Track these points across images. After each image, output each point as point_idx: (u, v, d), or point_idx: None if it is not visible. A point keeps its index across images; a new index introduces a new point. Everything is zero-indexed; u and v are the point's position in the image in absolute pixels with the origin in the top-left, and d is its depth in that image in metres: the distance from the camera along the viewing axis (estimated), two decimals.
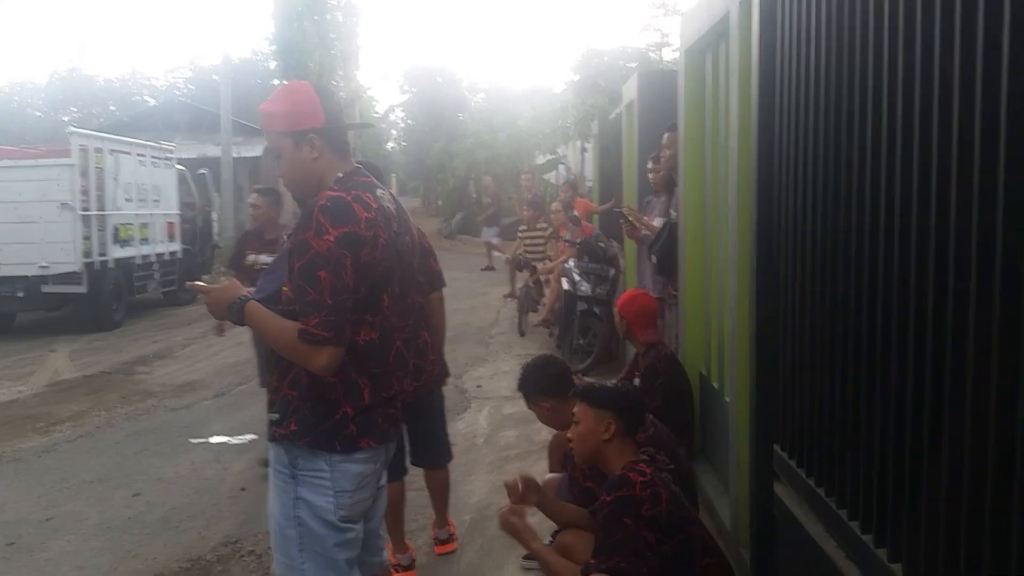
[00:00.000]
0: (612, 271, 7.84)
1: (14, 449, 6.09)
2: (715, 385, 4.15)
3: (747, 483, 3.05)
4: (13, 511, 4.85)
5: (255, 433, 5.99)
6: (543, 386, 3.35)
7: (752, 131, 2.92)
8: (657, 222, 5.28)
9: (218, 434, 6.08)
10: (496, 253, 15.37)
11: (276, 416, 2.38)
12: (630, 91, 7.48)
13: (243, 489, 5.01)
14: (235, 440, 5.41)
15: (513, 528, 2.80)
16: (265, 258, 5.27)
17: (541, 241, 9.93)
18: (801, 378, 2.54)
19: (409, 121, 34.13)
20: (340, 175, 2.37)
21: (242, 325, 2.37)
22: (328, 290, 2.19)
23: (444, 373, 3.98)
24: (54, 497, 5.07)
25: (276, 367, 2.39)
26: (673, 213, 4.85)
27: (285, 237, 5.07)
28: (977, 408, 1.50)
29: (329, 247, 2.19)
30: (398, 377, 2.48)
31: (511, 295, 11.34)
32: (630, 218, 5.32)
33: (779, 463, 2.77)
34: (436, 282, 3.89)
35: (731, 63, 3.35)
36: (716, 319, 4.09)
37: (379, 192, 2.42)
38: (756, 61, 2.85)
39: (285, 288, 2.35)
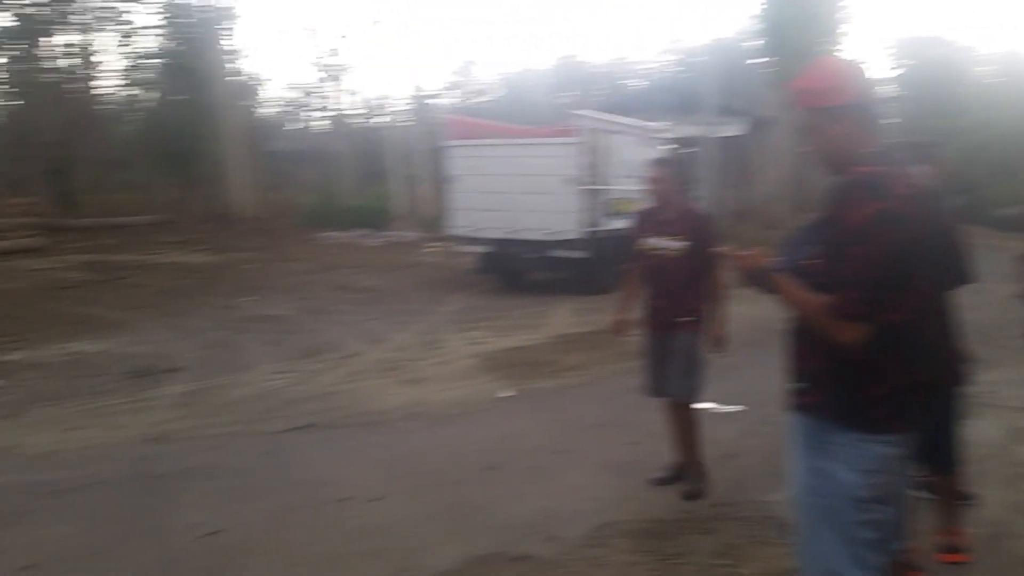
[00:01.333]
0: None
1: (530, 388, 7.13)
2: None
3: None
4: (532, 440, 5.67)
5: (744, 404, 6.16)
6: None
7: None
8: None
9: (707, 400, 6.34)
10: None
11: (804, 386, 2.44)
12: None
13: (734, 456, 5.24)
14: (724, 408, 5.60)
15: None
16: (660, 241, 4.53)
17: None
18: None
19: (903, 94, 31.48)
20: (871, 151, 2.32)
21: (769, 293, 2.44)
22: (861, 266, 2.18)
23: (963, 374, 3.62)
24: (563, 433, 5.82)
25: (806, 339, 2.44)
26: None
27: (685, 215, 4.36)
28: None
29: (864, 223, 2.17)
30: (927, 365, 2.37)
31: (1021, 294, 9.78)
32: None
33: None
34: (963, 277, 3.55)
35: None
36: None
37: (914, 170, 2.32)
38: None
39: (809, 261, 2.36)
